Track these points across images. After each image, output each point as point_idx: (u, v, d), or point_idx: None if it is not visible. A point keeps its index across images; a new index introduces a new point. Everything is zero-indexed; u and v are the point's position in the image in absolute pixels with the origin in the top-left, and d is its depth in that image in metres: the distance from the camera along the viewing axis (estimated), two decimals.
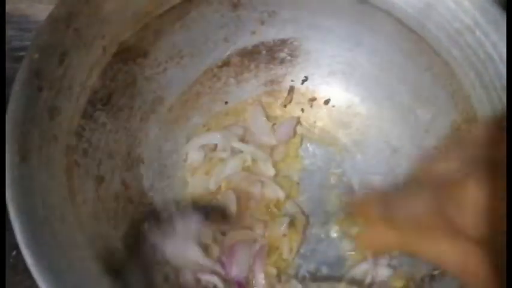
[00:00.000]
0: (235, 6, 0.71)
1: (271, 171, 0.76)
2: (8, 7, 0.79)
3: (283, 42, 0.77)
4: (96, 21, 0.60)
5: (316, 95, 0.81)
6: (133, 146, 0.71)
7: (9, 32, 0.81)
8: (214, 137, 0.77)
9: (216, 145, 0.77)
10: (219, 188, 0.75)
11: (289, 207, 0.75)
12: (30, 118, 0.53)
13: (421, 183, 0.42)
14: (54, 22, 0.57)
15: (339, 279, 0.71)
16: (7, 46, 0.78)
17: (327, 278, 0.72)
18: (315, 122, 0.81)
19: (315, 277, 0.72)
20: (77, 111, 0.59)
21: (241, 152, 0.77)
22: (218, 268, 0.69)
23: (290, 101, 0.81)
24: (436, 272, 0.65)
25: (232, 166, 0.76)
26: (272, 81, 0.80)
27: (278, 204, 0.75)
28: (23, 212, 0.49)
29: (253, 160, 0.77)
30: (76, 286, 0.49)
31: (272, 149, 0.78)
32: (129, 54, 0.66)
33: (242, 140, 0.78)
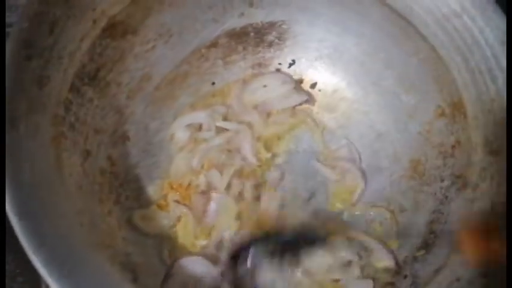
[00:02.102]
0: None
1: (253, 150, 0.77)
2: None
3: (272, 25, 0.77)
4: None
5: (302, 79, 0.81)
6: (120, 123, 0.70)
7: None
8: (199, 116, 0.77)
9: (201, 125, 0.77)
10: (202, 166, 0.75)
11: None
12: (19, 86, 0.53)
13: None
14: None
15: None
16: None
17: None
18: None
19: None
20: (65, 83, 0.59)
21: (225, 130, 0.77)
22: None
23: None
24: (418, 254, 0.66)
25: (215, 145, 0.76)
26: (259, 64, 0.81)
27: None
28: (11, 177, 0.49)
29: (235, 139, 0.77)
30: (63, 253, 0.49)
31: (253, 127, 0.78)
32: (118, 30, 0.66)
33: (225, 118, 0.78)
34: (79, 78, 0.62)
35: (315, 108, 0.81)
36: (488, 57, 0.60)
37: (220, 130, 0.77)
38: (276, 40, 0.79)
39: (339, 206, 0.75)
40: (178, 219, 0.72)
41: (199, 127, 0.77)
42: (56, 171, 0.55)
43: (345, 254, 0.69)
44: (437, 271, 0.58)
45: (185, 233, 0.71)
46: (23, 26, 0.55)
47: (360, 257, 0.69)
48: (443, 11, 0.63)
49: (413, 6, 0.64)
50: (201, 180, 0.74)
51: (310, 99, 0.81)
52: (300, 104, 0.81)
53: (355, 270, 0.69)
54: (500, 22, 0.60)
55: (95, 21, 0.61)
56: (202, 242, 0.71)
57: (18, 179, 0.50)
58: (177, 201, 0.73)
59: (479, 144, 0.61)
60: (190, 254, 0.70)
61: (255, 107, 0.79)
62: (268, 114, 0.80)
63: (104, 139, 0.68)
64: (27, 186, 0.50)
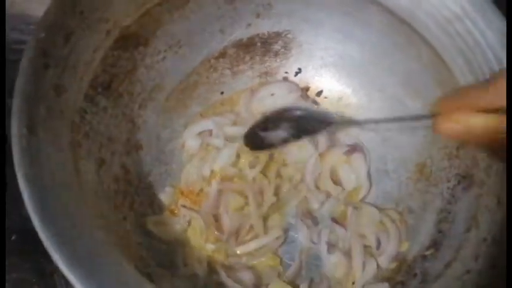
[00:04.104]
0: None
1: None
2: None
3: (278, 34, 0.79)
4: (101, 5, 0.62)
5: (308, 87, 0.83)
6: (133, 132, 0.72)
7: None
8: (208, 124, 0.79)
9: (211, 131, 0.79)
10: (212, 174, 0.77)
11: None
12: (37, 93, 0.55)
13: None
14: (60, 4, 0.59)
15: None
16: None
17: None
18: None
19: None
20: (80, 92, 0.61)
21: (234, 140, 0.78)
22: None
23: None
24: (427, 253, 0.67)
25: (225, 154, 0.77)
26: (266, 73, 0.83)
27: None
28: (31, 179, 0.51)
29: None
30: (83, 251, 0.50)
31: None
32: (130, 42, 0.68)
33: (234, 125, 0.80)
34: (93, 88, 0.64)
35: None
36: (490, 59, 0.62)
37: (229, 138, 0.79)
38: (282, 49, 0.81)
39: None
40: (189, 223, 0.73)
41: (210, 135, 0.79)
42: (74, 175, 0.57)
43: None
44: (447, 265, 0.60)
45: (195, 237, 0.73)
46: (40, 36, 0.57)
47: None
48: (444, 15, 0.64)
49: (415, 10, 0.66)
50: (212, 187, 0.75)
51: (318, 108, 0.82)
52: None
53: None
54: (501, 24, 0.61)
55: (108, 33, 0.63)
56: (211, 246, 0.72)
57: (39, 182, 0.51)
58: (186, 206, 0.74)
59: None
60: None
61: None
62: None
63: (118, 147, 0.69)
64: (47, 189, 0.51)
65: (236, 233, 0.73)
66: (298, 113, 0.68)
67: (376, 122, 0.76)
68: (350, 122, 0.80)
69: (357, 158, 0.79)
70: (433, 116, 0.55)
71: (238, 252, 0.73)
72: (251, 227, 0.74)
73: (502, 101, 0.47)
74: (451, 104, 0.53)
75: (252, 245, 0.73)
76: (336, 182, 0.79)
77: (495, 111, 0.48)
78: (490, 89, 0.49)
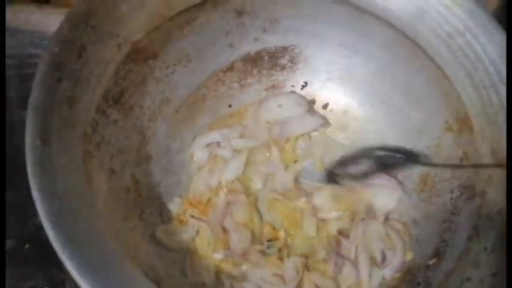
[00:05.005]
0: (239, 14, 0.76)
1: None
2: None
3: (285, 49, 0.81)
4: (112, 21, 0.64)
5: (315, 100, 0.85)
6: (143, 144, 0.74)
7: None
8: (216, 136, 0.80)
9: (219, 143, 0.81)
10: (220, 185, 0.78)
11: None
12: (51, 106, 0.57)
13: None
14: (73, 19, 0.61)
15: None
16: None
17: None
18: None
19: None
20: (92, 104, 0.63)
21: (241, 152, 0.80)
22: None
23: None
24: (430, 262, 0.68)
25: (233, 166, 0.79)
26: (274, 87, 0.84)
27: None
28: (44, 188, 0.52)
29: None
30: (95, 259, 0.52)
31: (269, 147, 0.82)
32: (140, 55, 0.70)
33: (242, 137, 0.82)
34: (105, 100, 0.65)
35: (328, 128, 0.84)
36: (491, 73, 0.63)
37: (237, 150, 0.80)
38: (289, 64, 0.83)
39: None
40: (197, 233, 0.75)
41: (218, 146, 0.81)
42: (86, 185, 0.58)
43: None
44: (449, 274, 0.61)
45: (203, 246, 0.74)
46: (54, 51, 0.59)
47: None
48: (447, 30, 0.66)
49: (417, 26, 0.67)
50: (220, 197, 0.77)
51: (325, 123, 0.84)
52: (316, 130, 0.84)
53: None
54: (501, 38, 0.63)
55: (119, 47, 0.65)
56: (219, 255, 0.74)
57: (52, 191, 0.53)
58: (194, 217, 0.75)
59: (485, 155, 0.64)
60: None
61: (271, 128, 0.82)
62: (286, 140, 0.83)
63: (128, 159, 0.71)
64: (59, 198, 0.53)
65: (243, 254, 0.74)
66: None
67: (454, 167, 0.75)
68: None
69: None
70: None
71: (243, 269, 0.74)
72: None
73: None
74: None
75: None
76: None
77: None
78: None
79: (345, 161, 0.76)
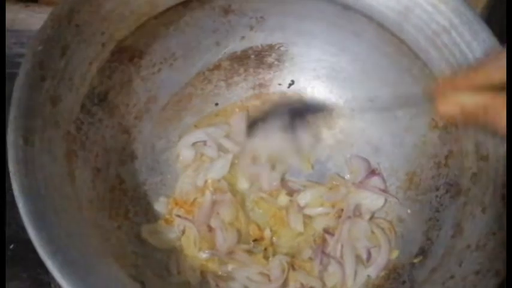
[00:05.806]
0: (226, 11, 0.75)
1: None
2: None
3: (271, 47, 0.81)
4: (96, 19, 0.63)
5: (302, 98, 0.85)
6: (128, 142, 0.74)
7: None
8: (202, 135, 0.80)
9: (205, 142, 0.80)
10: (206, 184, 0.78)
11: None
12: (34, 104, 0.57)
13: None
14: (56, 18, 0.60)
15: None
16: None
17: None
18: None
19: None
20: (77, 103, 0.63)
21: (228, 151, 0.80)
22: None
23: None
24: (416, 260, 0.68)
25: (219, 165, 0.79)
26: (260, 85, 0.84)
27: None
28: (26, 189, 0.52)
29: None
30: (77, 259, 0.52)
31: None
32: (126, 54, 0.69)
33: (227, 136, 0.81)
34: (89, 99, 0.65)
35: None
36: None
37: (223, 149, 0.80)
38: (276, 62, 0.83)
39: None
40: (183, 232, 0.75)
41: (204, 145, 0.80)
42: (69, 185, 0.58)
43: None
44: (432, 271, 0.61)
45: (189, 245, 0.74)
46: (37, 49, 0.58)
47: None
48: (433, 28, 0.66)
49: (403, 24, 0.67)
50: (206, 197, 0.77)
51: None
52: None
53: None
54: (486, 36, 0.63)
55: (103, 45, 0.65)
56: (205, 255, 0.73)
57: (34, 191, 0.53)
58: (180, 216, 0.75)
59: (470, 152, 0.64)
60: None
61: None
62: None
63: (113, 157, 0.71)
64: (42, 198, 0.53)
65: (229, 253, 0.74)
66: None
67: (377, 110, 0.78)
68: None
69: None
70: (430, 99, 0.55)
71: (229, 268, 0.74)
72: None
73: (501, 73, 0.47)
74: (449, 85, 0.53)
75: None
76: None
77: (490, 88, 0.48)
78: (489, 63, 0.49)
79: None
